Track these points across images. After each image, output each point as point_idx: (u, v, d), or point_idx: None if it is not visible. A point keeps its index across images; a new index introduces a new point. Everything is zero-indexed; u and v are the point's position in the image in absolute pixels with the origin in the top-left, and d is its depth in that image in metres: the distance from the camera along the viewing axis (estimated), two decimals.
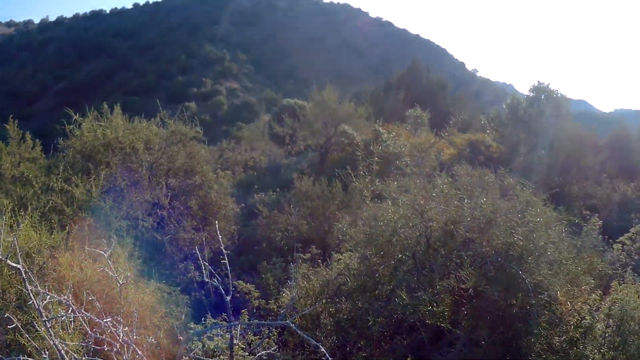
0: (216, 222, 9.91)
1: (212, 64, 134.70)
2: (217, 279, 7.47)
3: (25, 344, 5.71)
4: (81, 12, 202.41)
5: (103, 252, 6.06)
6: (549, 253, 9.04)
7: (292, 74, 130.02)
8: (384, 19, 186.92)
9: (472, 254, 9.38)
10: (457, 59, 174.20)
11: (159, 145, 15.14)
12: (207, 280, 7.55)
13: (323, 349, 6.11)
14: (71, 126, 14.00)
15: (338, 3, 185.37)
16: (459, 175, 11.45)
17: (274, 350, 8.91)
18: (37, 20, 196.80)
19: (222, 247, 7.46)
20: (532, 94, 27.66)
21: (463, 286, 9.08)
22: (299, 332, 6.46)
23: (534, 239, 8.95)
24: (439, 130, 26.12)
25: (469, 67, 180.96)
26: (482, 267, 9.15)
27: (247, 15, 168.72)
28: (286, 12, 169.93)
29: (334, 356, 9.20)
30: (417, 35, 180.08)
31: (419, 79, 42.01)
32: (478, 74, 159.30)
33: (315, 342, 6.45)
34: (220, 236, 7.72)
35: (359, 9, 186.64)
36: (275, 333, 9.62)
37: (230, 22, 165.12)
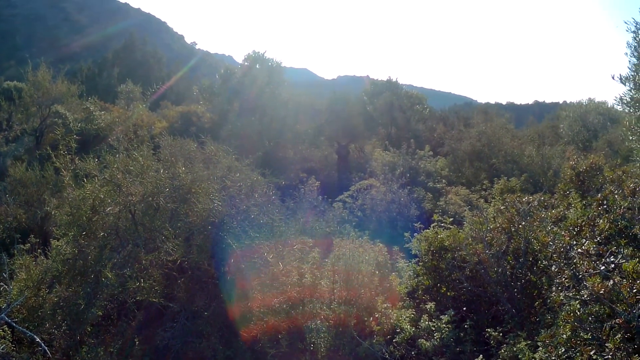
0: None
1: None
2: None
3: None
4: None
5: None
6: (252, 216, 9.14)
7: (14, 54, 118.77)
8: None
9: (181, 225, 9.31)
10: (176, 32, 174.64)
11: None
12: None
13: (38, 339, 5.99)
14: None
15: None
16: (163, 147, 11.32)
17: (10, 350, 8.49)
18: None
19: None
20: (246, 63, 28.20)
21: (170, 258, 9.03)
22: (14, 325, 6.45)
23: (235, 204, 9.01)
24: (154, 104, 26.22)
25: (188, 40, 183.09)
26: (189, 237, 9.11)
27: None
28: None
29: (67, 346, 8.94)
30: (139, 9, 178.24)
31: (134, 54, 41.83)
32: (197, 47, 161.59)
33: (31, 334, 6.32)
34: None
35: None
36: (8, 332, 9.02)
37: None
